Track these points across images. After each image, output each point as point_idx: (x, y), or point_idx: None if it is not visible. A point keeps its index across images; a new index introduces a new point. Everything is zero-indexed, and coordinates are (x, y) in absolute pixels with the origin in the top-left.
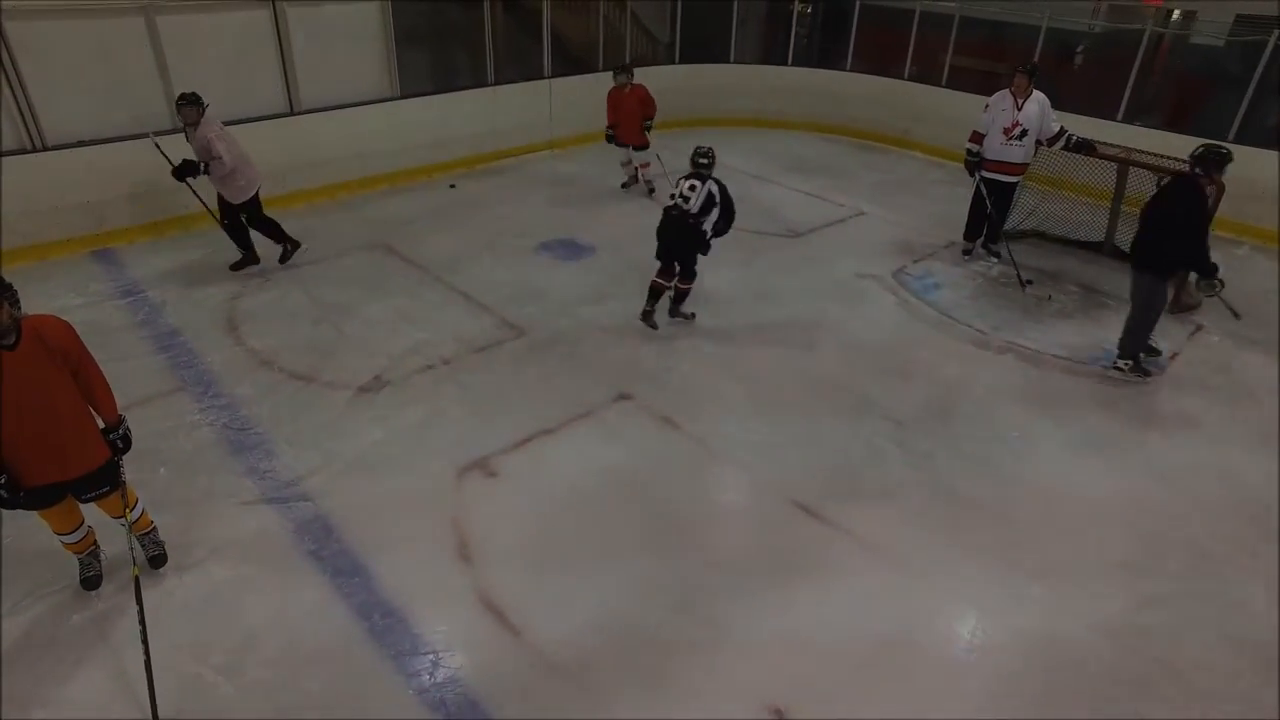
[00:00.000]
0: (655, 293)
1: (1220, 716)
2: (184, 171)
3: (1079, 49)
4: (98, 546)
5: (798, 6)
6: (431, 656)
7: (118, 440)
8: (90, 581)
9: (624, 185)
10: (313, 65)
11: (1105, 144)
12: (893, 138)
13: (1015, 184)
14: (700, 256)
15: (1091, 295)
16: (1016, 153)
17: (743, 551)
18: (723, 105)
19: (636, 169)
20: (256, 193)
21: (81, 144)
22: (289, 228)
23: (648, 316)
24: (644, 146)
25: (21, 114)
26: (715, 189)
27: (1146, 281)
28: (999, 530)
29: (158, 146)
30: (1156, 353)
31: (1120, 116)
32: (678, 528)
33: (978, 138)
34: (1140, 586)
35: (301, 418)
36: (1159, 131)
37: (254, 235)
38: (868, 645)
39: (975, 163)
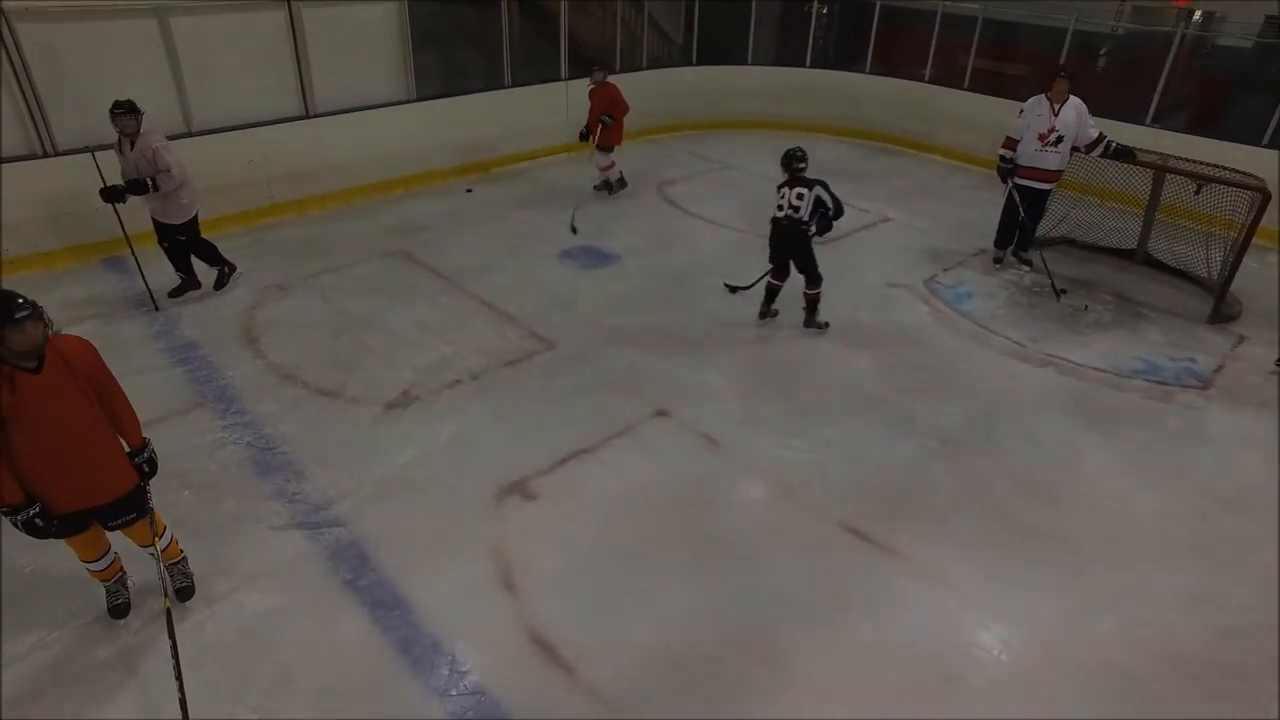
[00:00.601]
0: (771, 293)
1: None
2: (126, 192)
3: (1102, 51)
4: (125, 573)
5: (816, 8)
6: (480, 696)
7: (144, 464)
8: (118, 610)
9: (595, 187)
10: (328, 67)
11: (1142, 150)
12: (912, 141)
13: (1049, 191)
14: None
15: (1127, 305)
16: (1052, 159)
17: (796, 578)
18: (739, 107)
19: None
20: (196, 213)
21: (89, 150)
22: (304, 233)
23: (766, 315)
24: (606, 148)
25: (32, 118)
26: (822, 192)
27: None
28: (1059, 556)
29: (96, 162)
30: None
31: (1149, 120)
32: (727, 553)
33: (1011, 143)
34: (1213, 619)
35: (329, 436)
36: (1190, 136)
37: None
38: (934, 681)
39: (1009, 169)
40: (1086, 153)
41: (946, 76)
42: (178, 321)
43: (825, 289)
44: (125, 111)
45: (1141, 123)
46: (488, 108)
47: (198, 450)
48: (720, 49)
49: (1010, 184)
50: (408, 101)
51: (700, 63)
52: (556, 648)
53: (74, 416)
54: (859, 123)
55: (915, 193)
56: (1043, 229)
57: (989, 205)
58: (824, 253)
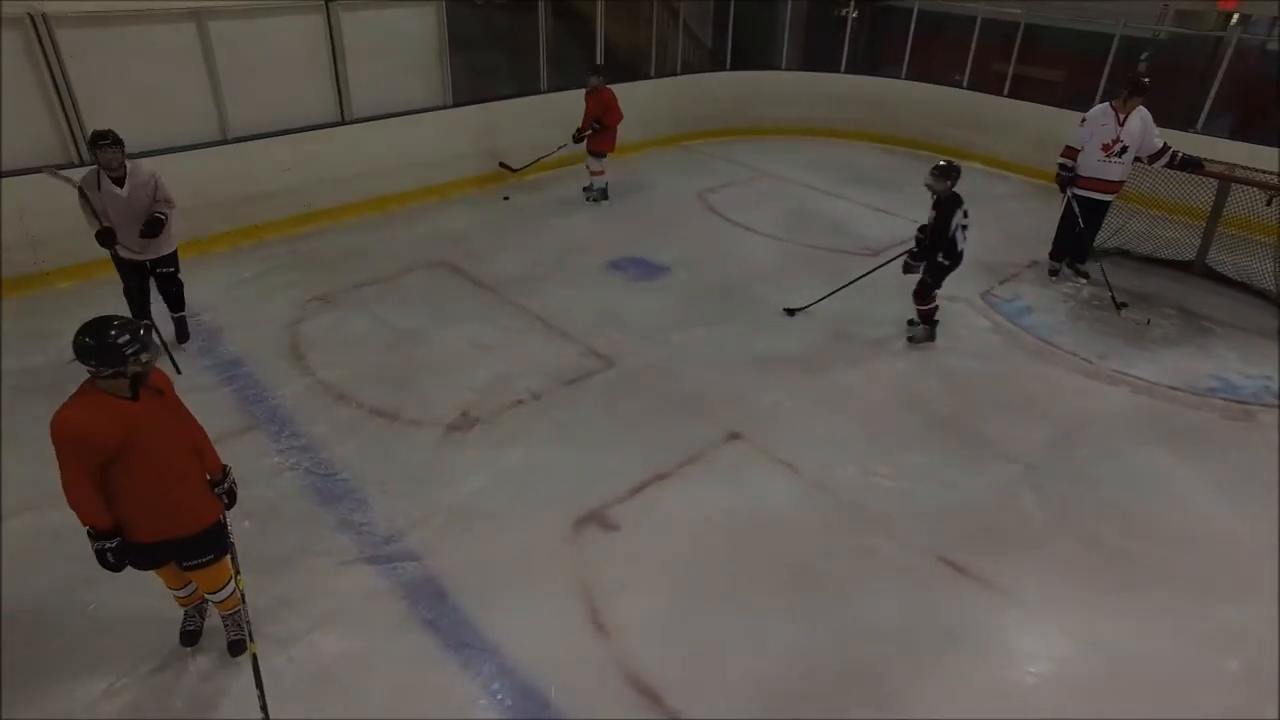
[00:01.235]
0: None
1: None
2: (145, 234)
3: (1143, 56)
4: (205, 601)
5: (850, 13)
6: None
7: (223, 494)
8: (188, 636)
9: (585, 190)
10: (364, 72)
11: (1208, 160)
12: (950, 148)
13: (1109, 203)
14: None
15: (1191, 319)
16: (1114, 170)
17: (897, 614)
18: (772, 113)
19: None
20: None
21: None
22: (341, 242)
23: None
24: (597, 154)
25: (70, 125)
26: (961, 215)
27: None
28: (1168, 588)
29: (67, 179)
30: None
31: (1199, 127)
32: (821, 586)
33: (1071, 153)
34: None
35: (391, 461)
36: (1247, 144)
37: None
38: None
39: (1069, 178)
40: (1150, 163)
41: (982, 81)
42: (218, 336)
43: (886, 301)
44: (111, 143)
45: (1189, 129)
46: (524, 113)
47: (255, 476)
48: (751, 54)
49: (1069, 194)
50: (443, 107)
51: (733, 68)
52: (659, 694)
53: (167, 443)
54: (893, 128)
55: None
56: (1097, 240)
57: (1035, 215)
58: (874, 264)
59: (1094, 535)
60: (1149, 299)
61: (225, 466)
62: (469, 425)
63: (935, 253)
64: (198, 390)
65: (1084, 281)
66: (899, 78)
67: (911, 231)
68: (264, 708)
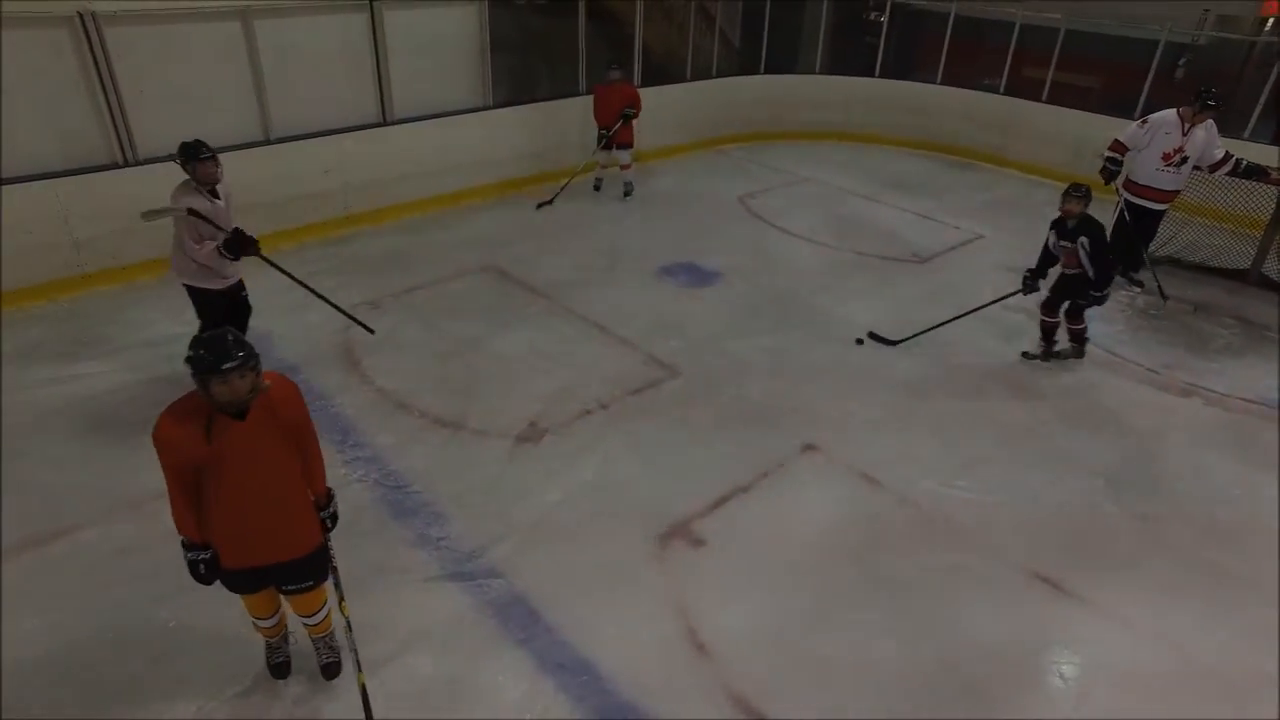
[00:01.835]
0: (1047, 331)
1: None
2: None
3: (1181, 61)
4: (289, 630)
5: (881, 17)
6: None
7: (327, 519)
8: (279, 669)
9: (595, 188)
10: (406, 72)
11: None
12: (986, 154)
13: (1163, 212)
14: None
15: (1252, 329)
16: (1169, 179)
17: (1000, 633)
18: (805, 117)
19: (602, 168)
20: None
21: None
22: (383, 245)
23: (1047, 355)
24: (627, 145)
25: (115, 125)
26: (1086, 241)
27: None
28: (1273, 606)
29: (167, 209)
30: None
31: (1247, 134)
32: (918, 604)
33: (1119, 147)
34: None
35: (462, 473)
36: None
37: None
38: None
39: (1115, 170)
40: (1210, 173)
41: (1018, 87)
42: (269, 341)
43: (943, 310)
44: (209, 155)
45: (1237, 136)
46: (563, 115)
47: None
48: (783, 57)
49: (1120, 202)
50: (484, 108)
51: (767, 71)
52: (767, 715)
53: (270, 468)
54: (926, 133)
55: (1000, 209)
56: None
57: None
58: (926, 272)
59: (1186, 552)
60: (1206, 308)
61: (330, 491)
62: (538, 436)
63: (1088, 284)
64: None
65: (1138, 290)
66: (933, 82)
67: (957, 238)
68: None
